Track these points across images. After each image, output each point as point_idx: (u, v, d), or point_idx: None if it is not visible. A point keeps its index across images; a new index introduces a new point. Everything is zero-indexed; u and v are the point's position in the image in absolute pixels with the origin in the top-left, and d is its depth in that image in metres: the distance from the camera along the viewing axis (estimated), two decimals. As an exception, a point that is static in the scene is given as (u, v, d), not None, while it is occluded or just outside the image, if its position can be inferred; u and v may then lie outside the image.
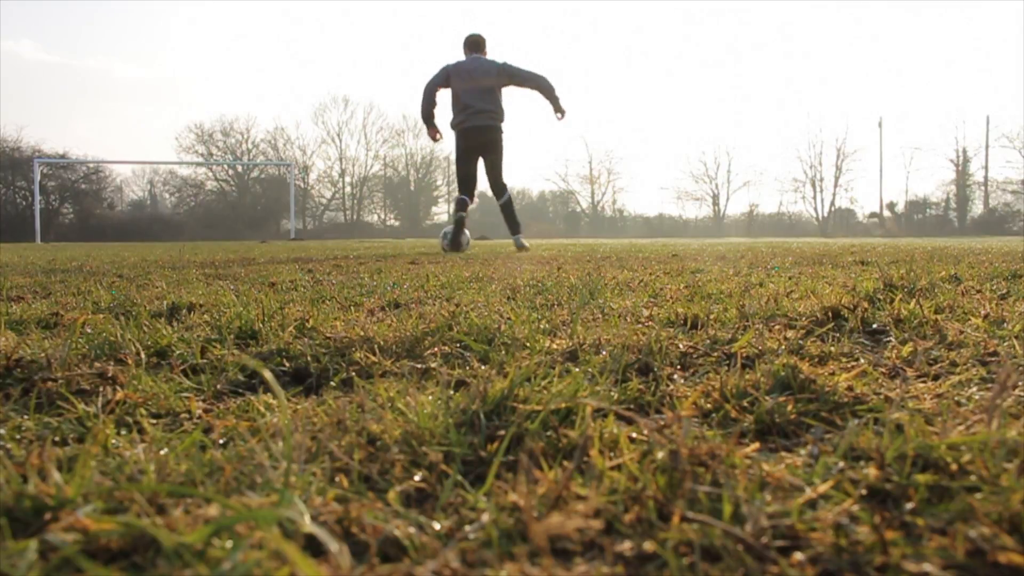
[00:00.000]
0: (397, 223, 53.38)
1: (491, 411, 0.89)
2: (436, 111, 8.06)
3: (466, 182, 8.08)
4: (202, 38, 77.20)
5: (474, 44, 8.05)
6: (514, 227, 8.28)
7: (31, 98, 67.22)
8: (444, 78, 7.95)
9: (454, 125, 8.04)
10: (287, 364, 1.28)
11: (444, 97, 8.11)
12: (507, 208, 8.22)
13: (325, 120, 59.57)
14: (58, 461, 0.77)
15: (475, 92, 7.84)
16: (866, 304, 1.73)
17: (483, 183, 8.25)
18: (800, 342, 1.39)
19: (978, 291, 2.19)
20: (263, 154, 50.77)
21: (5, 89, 66.25)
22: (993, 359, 1.24)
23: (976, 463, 0.68)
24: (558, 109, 7.98)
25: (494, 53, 8.38)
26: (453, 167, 8.82)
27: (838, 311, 1.68)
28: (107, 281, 3.32)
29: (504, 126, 8.07)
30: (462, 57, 8.10)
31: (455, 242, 7.72)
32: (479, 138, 7.95)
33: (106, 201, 44.13)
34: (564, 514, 0.60)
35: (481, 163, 8.13)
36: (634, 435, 0.82)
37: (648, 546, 0.58)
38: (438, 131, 8.14)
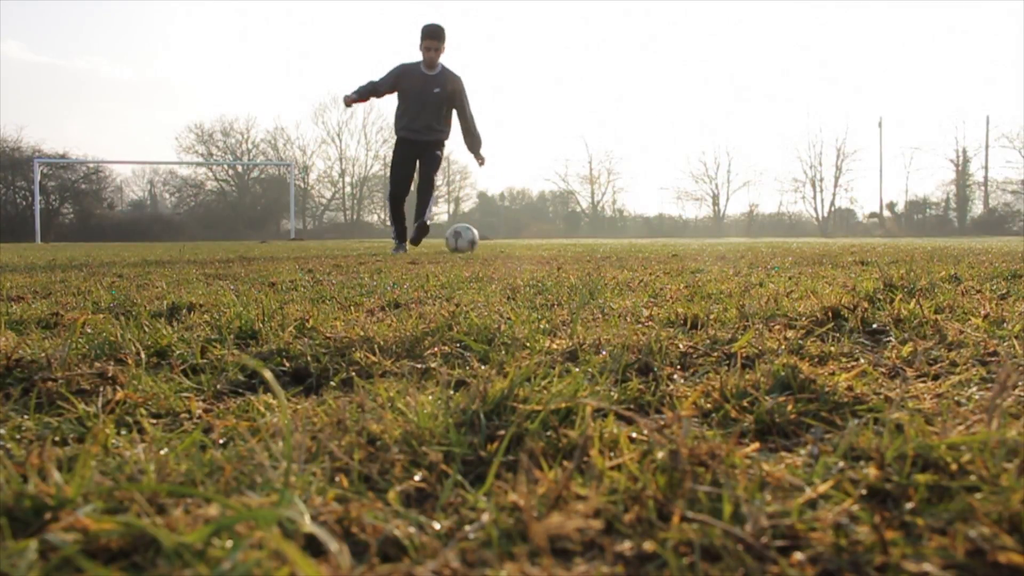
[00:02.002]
0: (397, 223, 53.24)
1: (491, 411, 0.89)
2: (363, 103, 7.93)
3: (401, 184, 7.94)
4: (201, 38, 77.25)
5: (434, 33, 7.50)
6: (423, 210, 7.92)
7: (22, 99, 67.25)
8: (393, 83, 7.69)
9: (398, 130, 7.81)
10: (287, 364, 1.28)
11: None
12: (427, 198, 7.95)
13: (325, 120, 59.58)
14: (58, 461, 0.77)
15: (424, 105, 7.61)
16: (866, 304, 1.73)
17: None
18: (800, 342, 1.39)
19: (978, 291, 2.19)
20: (263, 154, 50.81)
21: (-4, 90, 66.30)
22: (993, 359, 1.24)
23: (976, 463, 0.68)
24: (480, 160, 8.04)
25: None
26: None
27: (838, 311, 1.68)
28: (107, 281, 3.32)
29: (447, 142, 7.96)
30: (418, 55, 7.66)
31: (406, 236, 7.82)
32: (417, 149, 7.78)
33: (106, 201, 44.14)
34: (564, 514, 0.60)
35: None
36: (634, 435, 0.82)
37: (648, 546, 0.58)
38: (353, 103, 7.86)
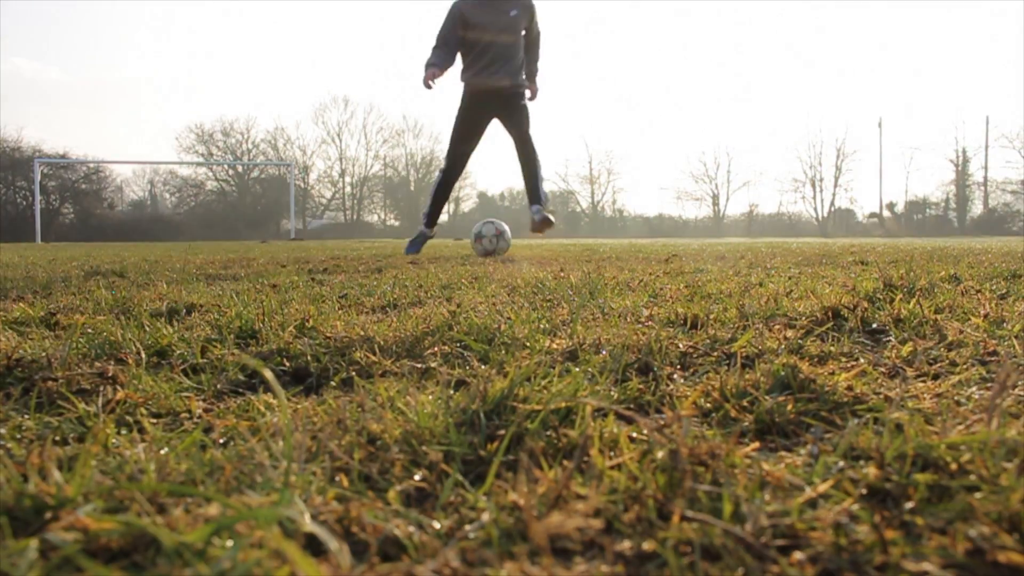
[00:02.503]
0: (397, 223, 53.29)
1: (491, 411, 0.89)
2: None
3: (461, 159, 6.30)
4: (201, 38, 77.23)
5: None
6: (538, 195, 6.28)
7: (22, 99, 67.28)
8: (462, 24, 5.96)
9: (467, 79, 6.14)
10: (287, 364, 1.28)
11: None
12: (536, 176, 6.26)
13: (325, 120, 59.59)
14: (58, 460, 0.77)
15: (501, 36, 5.96)
16: (866, 304, 1.73)
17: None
18: (800, 342, 1.39)
19: (978, 291, 2.19)
20: (263, 154, 50.79)
21: (-5, 91, 66.28)
22: (993, 359, 1.24)
23: (976, 463, 0.68)
24: (534, 91, 6.49)
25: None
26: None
27: (838, 311, 1.68)
28: (107, 281, 3.32)
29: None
30: None
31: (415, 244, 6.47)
32: (496, 103, 6.15)
33: (106, 201, 44.10)
34: (564, 513, 0.60)
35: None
36: (634, 435, 0.82)
37: (648, 545, 0.58)
38: (436, 78, 6.04)
